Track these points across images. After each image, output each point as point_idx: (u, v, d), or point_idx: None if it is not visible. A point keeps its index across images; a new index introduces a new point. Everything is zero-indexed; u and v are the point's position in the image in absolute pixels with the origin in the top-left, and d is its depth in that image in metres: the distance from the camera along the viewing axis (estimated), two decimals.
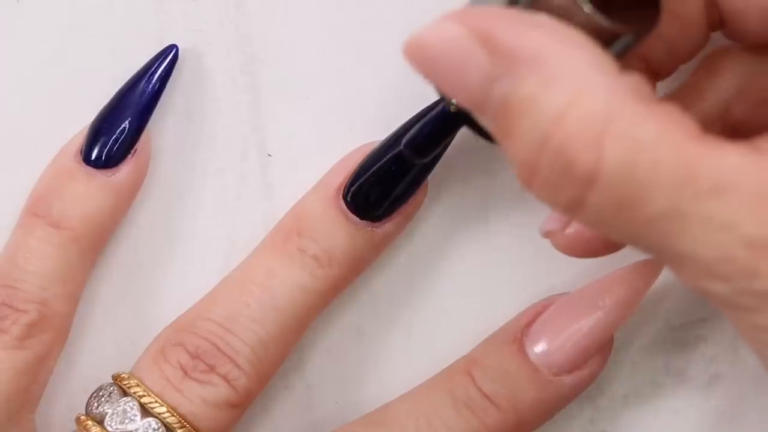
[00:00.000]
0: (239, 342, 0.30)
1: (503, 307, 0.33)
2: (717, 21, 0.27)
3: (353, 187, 0.31)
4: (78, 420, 0.31)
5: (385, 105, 0.34)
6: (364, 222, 0.32)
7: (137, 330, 0.33)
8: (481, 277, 0.33)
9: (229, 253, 0.34)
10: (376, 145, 0.32)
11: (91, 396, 0.31)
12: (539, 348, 0.31)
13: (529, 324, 0.31)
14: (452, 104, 0.27)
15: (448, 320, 0.33)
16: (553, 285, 0.33)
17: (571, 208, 0.23)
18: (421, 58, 0.24)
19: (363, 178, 0.31)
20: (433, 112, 0.30)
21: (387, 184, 0.31)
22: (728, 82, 0.28)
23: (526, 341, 0.31)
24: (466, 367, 0.31)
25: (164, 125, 0.34)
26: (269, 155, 0.34)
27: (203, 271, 0.33)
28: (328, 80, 0.34)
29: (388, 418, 0.31)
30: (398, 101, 0.34)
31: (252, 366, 0.30)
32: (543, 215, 0.33)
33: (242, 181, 0.34)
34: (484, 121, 0.24)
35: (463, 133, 0.30)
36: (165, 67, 0.33)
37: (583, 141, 0.22)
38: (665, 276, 0.32)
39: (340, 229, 0.31)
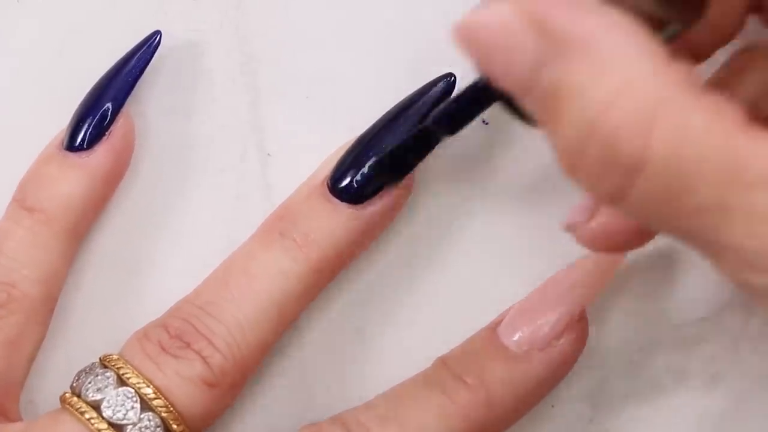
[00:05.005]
0: (216, 323, 0.31)
1: (505, 305, 0.33)
2: (756, 5, 0.27)
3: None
4: (62, 397, 0.31)
5: (385, 105, 0.34)
6: (344, 204, 0.32)
7: (136, 329, 0.33)
8: (481, 276, 0.33)
9: (229, 252, 0.34)
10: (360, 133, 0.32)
11: (82, 378, 0.31)
12: (505, 326, 0.31)
13: (501, 320, 0.32)
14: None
15: (449, 319, 0.33)
16: None
17: (614, 197, 0.23)
18: (472, 40, 0.24)
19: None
20: (467, 87, 0.30)
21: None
22: (758, 79, 0.28)
23: (497, 328, 0.31)
24: (442, 358, 0.31)
25: (164, 125, 0.34)
26: (269, 155, 0.34)
27: (203, 271, 0.33)
28: (328, 80, 0.34)
29: (363, 404, 0.31)
30: (398, 101, 0.34)
31: (228, 346, 0.31)
32: (545, 213, 0.33)
33: (242, 181, 0.34)
34: (528, 105, 0.24)
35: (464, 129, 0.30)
36: (142, 51, 0.33)
37: (632, 131, 0.22)
38: (665, 275, 0.33)
39: (320, 212, 0.32)
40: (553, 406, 0.33)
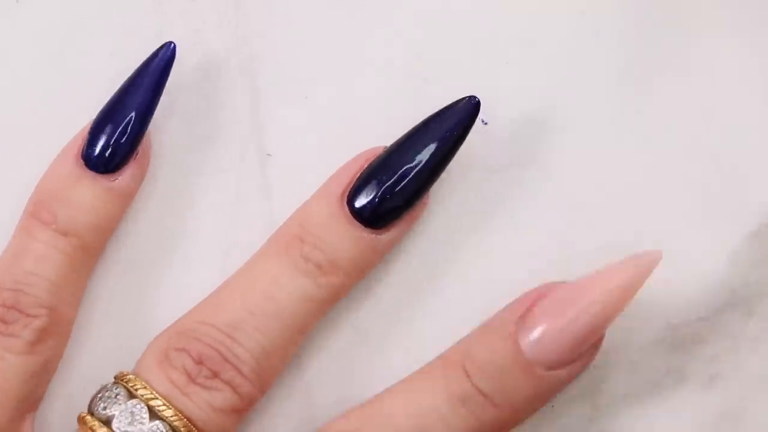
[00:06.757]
0: (242, 350, 0.30)
1: (504, 305, 0.33)
2: None
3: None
4: (82, 419, 0.31)
5: (384, 105, 0.34)
6: (368, 229, 0.31)
7: (136, 329, 0.33)
8: (481, 276, 0.33)
9: (229, 252, 0.34)
10: (378, 150, 0.32)
11: (96, 396, 0.31)
12: (534, 342, 0.30)
13: (524, 316, 0.31)
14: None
15: (449, 319, 0.33)
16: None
17: None
18: None
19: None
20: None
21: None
22: None
23: (521, 335, 0.30)
24: (462, 361, 0.31)
25: (164, 125, 0.34)
26: (269, 155, 0.34)
27: (203, 271, 0.33)
28: (328, 80, 0.34)
29: (382, 415, 0.31)
30: (398, 101, 0.34)
31: (254, 373, 0.31)
32: (544, 214, 0.33)
33: (242, 181, 0.34)
34: None
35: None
36: (163, 65, 0.32)
37: None
38: (665, 275, 0.33)
39: (344, 238, 0.31)
40: (553, 406, 0.33)
